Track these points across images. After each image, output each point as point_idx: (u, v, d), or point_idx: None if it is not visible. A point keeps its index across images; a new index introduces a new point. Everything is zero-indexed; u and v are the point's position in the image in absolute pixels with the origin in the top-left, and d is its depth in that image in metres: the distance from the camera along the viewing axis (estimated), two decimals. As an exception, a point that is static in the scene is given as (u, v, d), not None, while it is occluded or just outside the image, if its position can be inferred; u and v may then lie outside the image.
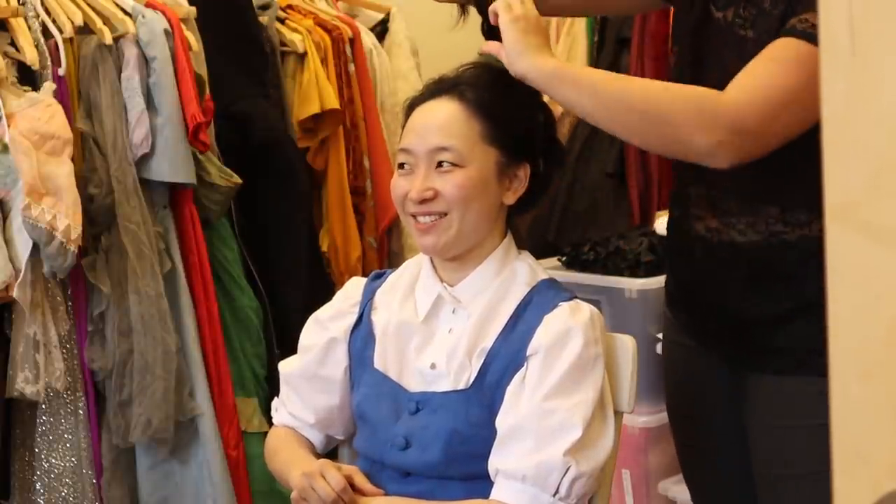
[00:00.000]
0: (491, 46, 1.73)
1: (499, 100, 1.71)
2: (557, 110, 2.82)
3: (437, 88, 1.74)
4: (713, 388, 1.93)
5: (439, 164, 1.69)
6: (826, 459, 1.88)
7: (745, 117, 1.58)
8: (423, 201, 1.68)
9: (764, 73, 1.59)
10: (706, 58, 1.79)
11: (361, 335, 1.79)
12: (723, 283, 1.83)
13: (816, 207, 1.60)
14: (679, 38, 1.88)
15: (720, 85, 1.62)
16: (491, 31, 1.76)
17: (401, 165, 1.73)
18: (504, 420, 1.64)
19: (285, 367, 1.87)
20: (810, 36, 1.57)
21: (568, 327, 1.65)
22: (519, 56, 1.66)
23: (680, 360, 1.99)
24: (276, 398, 1.90)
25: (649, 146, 1.81)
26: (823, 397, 1.86)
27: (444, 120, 1.70)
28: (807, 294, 1.72)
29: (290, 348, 2.72)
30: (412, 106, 1.76)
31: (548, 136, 1.78)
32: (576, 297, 1.72)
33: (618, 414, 1.76)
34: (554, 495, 1.59)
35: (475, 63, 1.79)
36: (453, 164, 1.68)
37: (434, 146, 1.69)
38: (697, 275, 1.89)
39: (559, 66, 1.66)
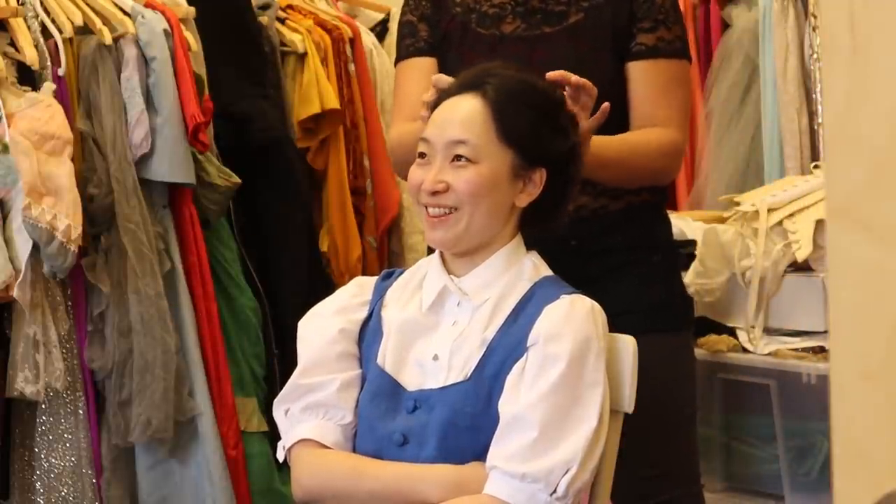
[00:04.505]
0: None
1: (520, 102, 1.73)
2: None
3: (463, 84, 1.77)
4: None
5: (455, 159, 1.71)
6: (679, 410, 2.10)
7: (685, 144, 2.14)
8: (434, 193, 1.71)
9: (680, 101, 2.07)
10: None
11: (371, 330, 1.79)
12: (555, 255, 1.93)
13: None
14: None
15: None
16: None
17: (420, 155, 1.75)
18: (505, 409, 1.64)
19: (297, 377, 1.79)
20: (680, 53, 2.06)
21: (569, 319, 1.65)
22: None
23: None
24: (281, 441, 1.79)
25: (632, 186, 2.08)
26: (680, 351, 2.11)
27: (465, 115, 1.72)
28: (650, 257, 2.07)
29: (289, 348, 2.72)
30: (439, 100, 1.78)
31: (569, 145, 1.78)
32: (577, 292, 1.72)
33: (618, 414, 1.77)
34: (552, 494, 1.59)
35: (504, 63, 1.81)
36: (468, 160, 1.70)
37: (451, 139, 1.71)
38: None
39: (595, 155, 1.87)
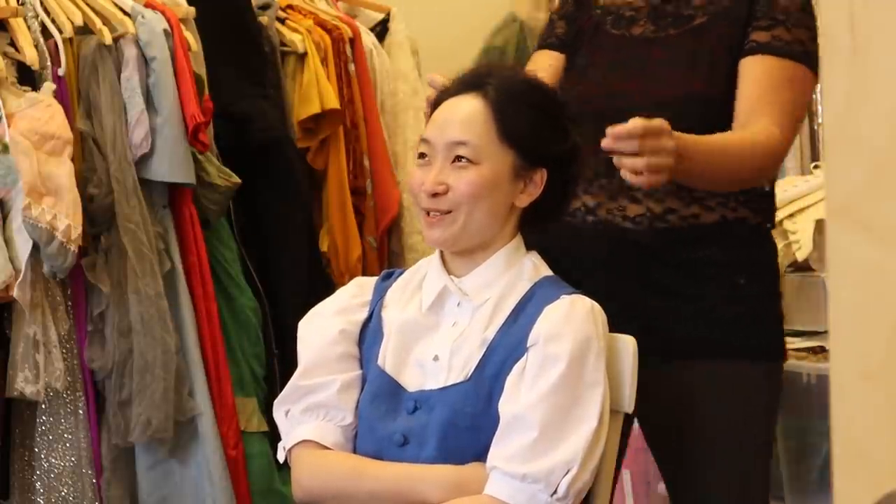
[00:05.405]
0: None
1: (521, 103, 1.73)
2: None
3: (464, 84, 1.77)
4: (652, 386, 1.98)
5: (455, 159, 1.71)
6: (748, 438, 1.98)
7: (789, 146, 1.94)
8: (434, 195, 1.70)
9: (787, 102, 1.91)
10: (595, 66, 1.98)
11: (372, 331, 1.79)
12: (633, 264, 1.92)
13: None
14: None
15: (629, 76, 1.88)
16: None
17: (421, 156, 1.75)
18: (505, 410, 1.64)
19: (298, 378, 1.80)
20: (798, 56, 1.93)
21: (569, 319, 1.65)
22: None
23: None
24: (282, 442, 1.80)
25: (727, 190, 1.95)
26: (759, 382, 1.98)
27: (465, 116, 1.72)
28: (734, 279, 1.94)
29: (288, 348, 2.72)
30: (439, 100, 1.78)
31: (570, 146, 1.78)
32: (578, 292, 1.72)
33: (618, 414, 1.77)
34: (552, 495, 1.59)
35: (504, 65, 1.81)
36: (468, 161, 1.70)
37: (451, 140, 1.71)
38: (606, 263, 1.95)
39: (697, 164, 1.76)
